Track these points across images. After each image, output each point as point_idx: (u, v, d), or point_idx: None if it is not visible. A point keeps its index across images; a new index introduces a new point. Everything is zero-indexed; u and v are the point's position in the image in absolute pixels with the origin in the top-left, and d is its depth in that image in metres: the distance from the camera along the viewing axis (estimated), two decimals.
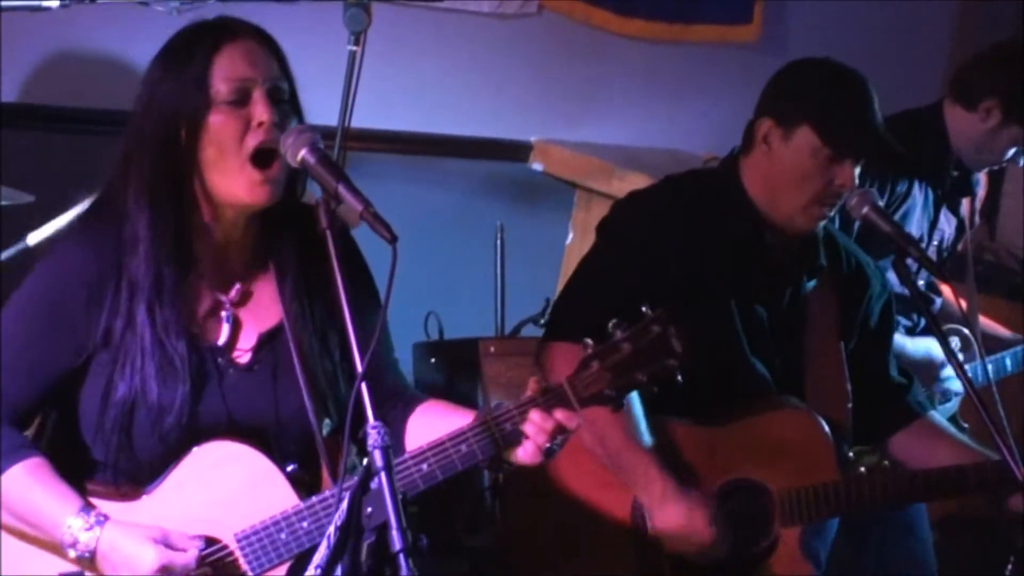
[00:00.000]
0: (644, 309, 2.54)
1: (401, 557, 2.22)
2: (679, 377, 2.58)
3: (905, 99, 4.04)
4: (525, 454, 2.55)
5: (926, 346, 4.01)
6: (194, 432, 2.60)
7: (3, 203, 3.57)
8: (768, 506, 3.17)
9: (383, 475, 2.29)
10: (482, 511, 3.89)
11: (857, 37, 5.53)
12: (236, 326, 2.68)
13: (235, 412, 2.64)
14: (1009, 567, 3.97)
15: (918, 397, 3.44)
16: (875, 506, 3.31)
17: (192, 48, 2.61)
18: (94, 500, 2.57)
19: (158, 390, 2.57)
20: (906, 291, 3.43)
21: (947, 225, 4.16)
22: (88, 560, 2.52)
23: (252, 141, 2.55)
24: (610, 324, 2.54)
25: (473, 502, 2.54)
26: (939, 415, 3.51)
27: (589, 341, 2.56)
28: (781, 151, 3.20)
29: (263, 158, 2.56)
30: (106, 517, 2.52)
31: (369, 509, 2.33)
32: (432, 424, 2.67)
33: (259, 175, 2.56)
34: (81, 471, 2.61)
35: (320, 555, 2.38)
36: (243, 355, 2.68)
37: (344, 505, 2.36)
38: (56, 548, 2.54)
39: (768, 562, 3.19)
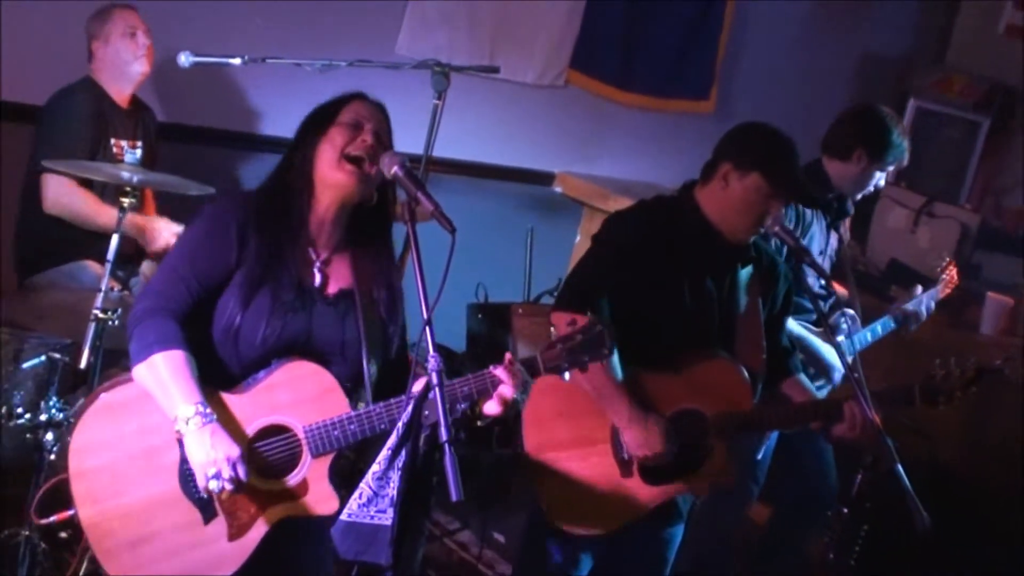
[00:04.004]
0: (591, 316, 2.58)
1: (446, 446, 2.21)
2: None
3: (815, 151, 4.04)
4: (492, 406, 2.50)
5: (831, 351, 3.93)
6: (283, 342, 2.56)
7: (193, 193, 3.58)
8: (704, 427, 3.16)
9: (437, 389, 2.28)
10: (508, 432, 3.79)
11: (784, 115, 5.47)
12: (325, 277, 2.65)
13: (314, 332, 2.59)
14: (859, 478, 3.93)
15: (795, 362, 3.40)
16: (772, 427, 3.28)
17: (338, 100, 2.65)
18: (210, 389, 2.51)
19: (262, 310, 2.54)
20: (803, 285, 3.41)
21: (834, 241, 4.11)
22: (185, 435, 2.44)
23: (351, 148, 2.58)
24: (567, 322, 2.58)
25: (502, 424, 2.49)
26: (806, 379, 3.44)
27: (553, 331, 2.63)
28: (735, 187, 3.14)
29: (353, 161, 2.58)
30: (213, 416, 2.45)
31: (426, 412, 2.35)
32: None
33: (349, 167, 2.57)
34: (205, 365, 2.54)
35: (391, 440, 2.39)
36: (328, 296, 2.63)
37: (410, 408, 2.36)
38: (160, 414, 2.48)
39: (704, 466, 3.18)
